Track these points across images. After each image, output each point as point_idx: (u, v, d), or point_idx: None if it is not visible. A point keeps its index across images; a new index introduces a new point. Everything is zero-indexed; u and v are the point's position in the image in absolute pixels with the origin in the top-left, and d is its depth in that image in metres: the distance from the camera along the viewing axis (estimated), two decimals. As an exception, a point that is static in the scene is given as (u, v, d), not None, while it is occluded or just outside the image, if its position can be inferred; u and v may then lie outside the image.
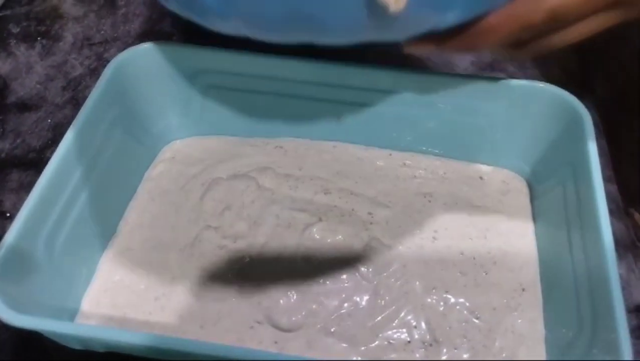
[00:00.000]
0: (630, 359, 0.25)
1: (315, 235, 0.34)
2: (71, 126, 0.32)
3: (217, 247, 0.34)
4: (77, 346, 0.30)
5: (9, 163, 0.41)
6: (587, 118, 0.33)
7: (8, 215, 0.38)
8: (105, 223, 0.35)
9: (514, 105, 0.35)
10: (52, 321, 0.27)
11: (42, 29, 0.49)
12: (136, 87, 0.36)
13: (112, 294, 0.32)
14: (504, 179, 0.37)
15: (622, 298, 0.27)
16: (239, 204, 0.35)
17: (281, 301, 0.32)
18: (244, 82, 0.37)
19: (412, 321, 0.31)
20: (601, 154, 0.32)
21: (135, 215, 0.35)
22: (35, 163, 0.41)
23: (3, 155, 0.41)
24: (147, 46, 0.36)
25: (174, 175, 0.37)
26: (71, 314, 0.32)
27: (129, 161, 0.36)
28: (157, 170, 0.38)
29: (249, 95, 0.37)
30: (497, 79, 0.35)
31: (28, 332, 0.32)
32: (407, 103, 0.36)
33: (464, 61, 0.47)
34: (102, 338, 0.26)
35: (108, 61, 0.35)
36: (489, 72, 0.46)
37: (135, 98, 0.36)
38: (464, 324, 0.31)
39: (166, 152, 0.39)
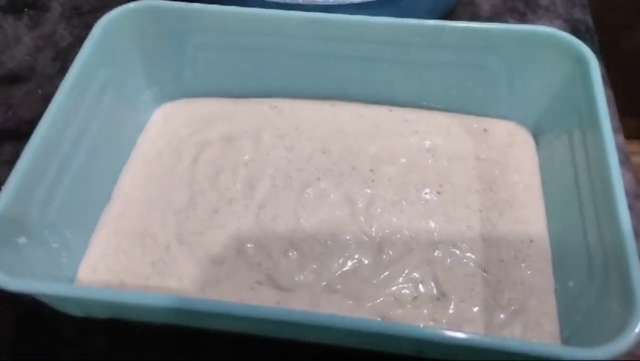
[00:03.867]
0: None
1: (314, 195, 0.33)
2: (57, 91, 0.31)
3: (212, 210, 0.33)
4: (78, 313, 0.29)
5: (1, 136, 0.40)
6: (593, 62, 0.31)
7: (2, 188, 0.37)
8: (99, 188, 0.34)
9: (516, 54, 0.34)
10: (53, 284, 0.27)
11: (29, 0, 0.48)
12: (125, 49, 0.35)
13: (109, 261, 0.31)
14: (509, 131, 0.36)
15: (635, 247, 0.26)
16: (233, 165, 0.35)
17: (282, 261, 0.31)
18: (236, 40, 0.35)
19: (418, 276, 0.30)
20: (608, 104, 0.31)
21: (129, 180, 0.35)
22: (27, 135, 0.39)
23: (-5, 128, 0.40)
24: (133, 6, 0.34)
25: (166, 137, 0.36)
26: (68, 282, 0.31)
27: (121, 125, 0.35)
28: (150, 133, 0.37)
29: (242, 54, 0.36)
30: (497, 28, 0.34)
31: (29, 304, 0.32)
32: (405, 56, 0.35)
33: (463, 16, 0.45)
34: (106, 300, 0.25)
35: (97, 30, 0.34)
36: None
37: (124, 60, 0.35)
38: (471, 277, 0.30)
39: (158, 114, 0.37)
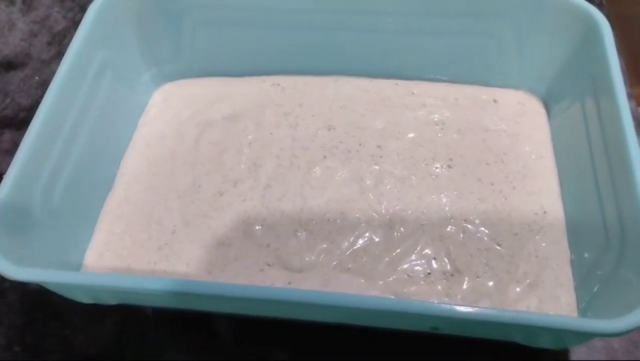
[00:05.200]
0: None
1: (321, 173, 0.33)
2: (55, 75, 0.30)
3: (217, 193, 0.32)
4: (86, 299, 0.29)
5: (0, 124, 0.39)
6: (605, 26, 0.30)
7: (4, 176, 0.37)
8: (102, 173, 0.33)
9: (524, 20, 0.33)
10: (58, 272, 0.26)
11: (21, -17, 0.47)
12: (121, 29, 0.34)
13: (115, 246, 0.31)
14: (519, 100, 0.35)
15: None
16: (236, 146, 0.34)
17: (291, 242, 0.30)
18: (235, 16, 0.34)
19: (430, 252, 0.30)
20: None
21: (132, 164, 0.34)
22: (26, 122, 0.38)
23: (-8, 116, 0.40)
24: (128, -16, 0.33)
25: (167, 118, 0.36)
26: (75, 269, 0.30)
27: (121, 108, 0.34)
28: (150, 115, 0.36)
29: (241, 31, 0.35)
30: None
31: (37, 292, 0.31)
32: (408, 27, 0.34)
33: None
34: (111, 285, 0.25)
35: (92, 10, 0.33)
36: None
37: (121, 41, 0.34)
38: (485, 252, 0.30)
39: (158, 96, 0.37)
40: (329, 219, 0.31)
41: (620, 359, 0.29)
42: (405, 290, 0.28)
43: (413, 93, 0.36)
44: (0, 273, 0.24)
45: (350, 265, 0.29)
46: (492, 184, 0.32)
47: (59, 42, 0.43)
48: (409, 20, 0.34)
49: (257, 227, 0.31)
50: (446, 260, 0.29)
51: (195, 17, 0.35)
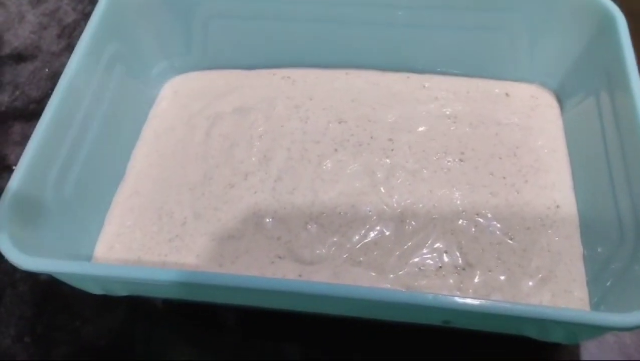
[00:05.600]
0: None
1: (332, 167, 0.33)
2: (66, 67, 0.30)
3: (228, 185, 0.32)
4: (97, 290, 0.29)
5: (10, 115, 0.39)
6: (620, 19, 0.30)
7: (14, 168, 0.37)
8: (113, 165, 0.33)
9: (537, 13, 0.33)
10: (68, 262, 0.26)
11: (31, -24, 0.47)
12: (132, 21, 0.34)
13: (126, 238, 0.31)
14: (531, 94, 0.35)
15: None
16: (247, 139, 0.34)
17: (302, 235, 0.30)
18: (246, 8, 0.34)
19: (442, 246, 0.29)
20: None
21: (143, 156, 0.34)
22: (36, 114, 0.39)
23: (3, 108, 0.40)
24: (139, -24, 0.33)
25: (177, 111, 0.35)
26: (86, 260, 0.30)
27: (132, 100, 0.34)
28: (160, 108, 0.36)
29: (252, 23, 0.35)
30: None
31: (47, 282, 0.31)
32: (420, 20, 0.34)
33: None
34: (126, 276, 0.25)
35: (102, 3, 0.33)
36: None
37: (132, 33, 0.34)
38: (497, 246, 0.29)
39: (168, 89, 0.37)
40: (340, 212, 0.31)
41: (632, 353, 0.28)
42: (416, 284, 0.28)
43: (424, 86, 0.36)
44: (12, 262, 0.24)
45: (361, 258, 0.29)
46: (504, 178, 0.32)
47: (69, 35, 0.43)
48: (421, 13, 0.33)
49: (268, 220, 0.31)
50: (458, 254, 0.29)
51: (205, 9, 0.35)
